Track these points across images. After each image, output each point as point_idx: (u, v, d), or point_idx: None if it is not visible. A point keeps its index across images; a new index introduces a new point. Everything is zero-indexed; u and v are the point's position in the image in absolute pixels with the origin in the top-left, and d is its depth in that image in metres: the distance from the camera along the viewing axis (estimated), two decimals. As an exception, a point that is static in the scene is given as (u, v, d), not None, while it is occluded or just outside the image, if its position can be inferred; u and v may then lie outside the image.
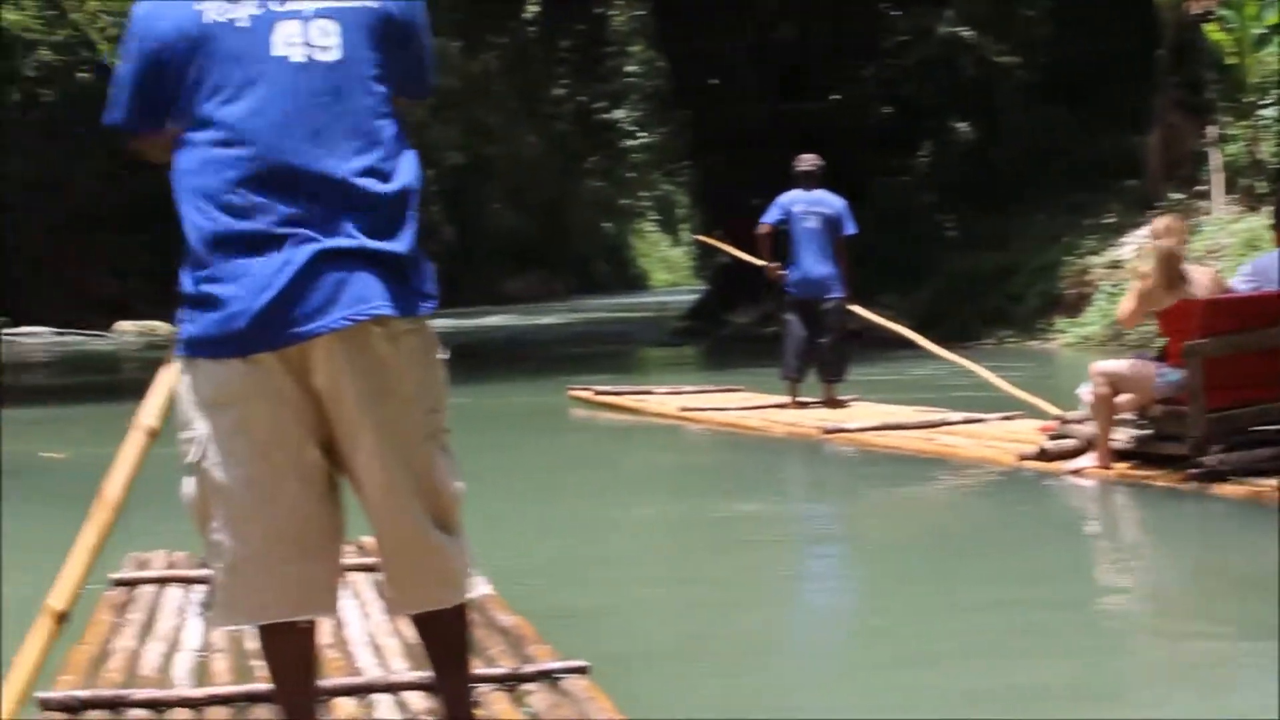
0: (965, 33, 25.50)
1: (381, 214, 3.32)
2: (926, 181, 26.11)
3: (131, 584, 5.68)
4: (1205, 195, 19.99)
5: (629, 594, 6.75)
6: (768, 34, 27.54)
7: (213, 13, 3.36)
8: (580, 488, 9.92)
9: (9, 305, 38.17)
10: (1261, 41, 19.39)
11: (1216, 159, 19.97)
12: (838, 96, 26.41)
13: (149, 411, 3.69)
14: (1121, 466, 8.72)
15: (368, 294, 3.26)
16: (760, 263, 13.20)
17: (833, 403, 12.69)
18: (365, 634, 4.92)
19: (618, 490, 9.95)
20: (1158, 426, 8.67)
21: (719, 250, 17.02)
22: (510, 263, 61.07)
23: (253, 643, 4.37)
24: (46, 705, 4.14)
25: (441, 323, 3.46)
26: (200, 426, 3.37)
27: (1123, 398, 8.63)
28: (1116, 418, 8.73)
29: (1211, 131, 20.28)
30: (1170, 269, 8.46)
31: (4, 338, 35.99)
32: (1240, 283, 8.81)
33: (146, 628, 5.09)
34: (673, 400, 13.83)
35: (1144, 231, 14.84)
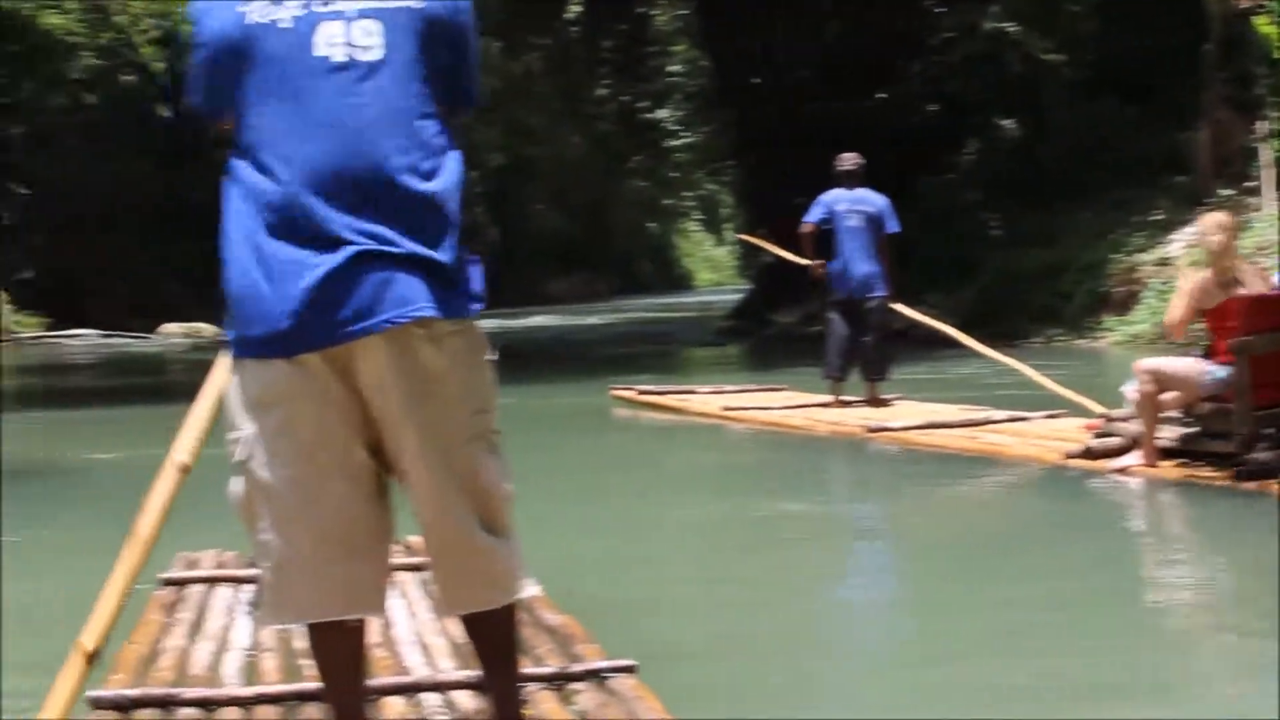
0: (1011, 28, 25.38)
1: (425, 215, 3.31)
2: (972, 179, 25.99)
3: (181, 583, 5.71)
4: (1255, 191, 19.87)
5: (674, 593, 6.76)
6: (812, 32, 27.47)
7: (255, 14, 3.38)
8: (624, 487, 9.92)
9: (56, 308, 38.43)
10: (1312, 35, 19.25)
11: (1266, 155, 19.83)
12: (883, 95, 26.32)
13: (183, 447, 3.68)
14: (1167, 464, 8.69)
15: (410, 296, 3.26)
16: (804, 261, 13.19)
17: (876, 401, 12.67)
18: (413, 633, 4.93)
19: (661, 490, 9.96)
20: (1204, 424, 8.63)
21: (763, 249, 16.99)
22: (554, 263, 61.13)
23: (302, 642, 4.39)
24: (97, 704, 4.17)
25: (485, 323, 3.46)
26: (247, 427, 3.39)
27: (1168, 395, 8.59)
28: (1162, 415, 8.69)
29: (1261, 127, 20.13)
30: (1223, 266, 8.42)
31: (50, 340, 36.24)
32: (1288, 279, 8.77)
33: (196, 627, 5.12)
34: (716, 400, 13.82)
35: (1193, 229, 14.79)
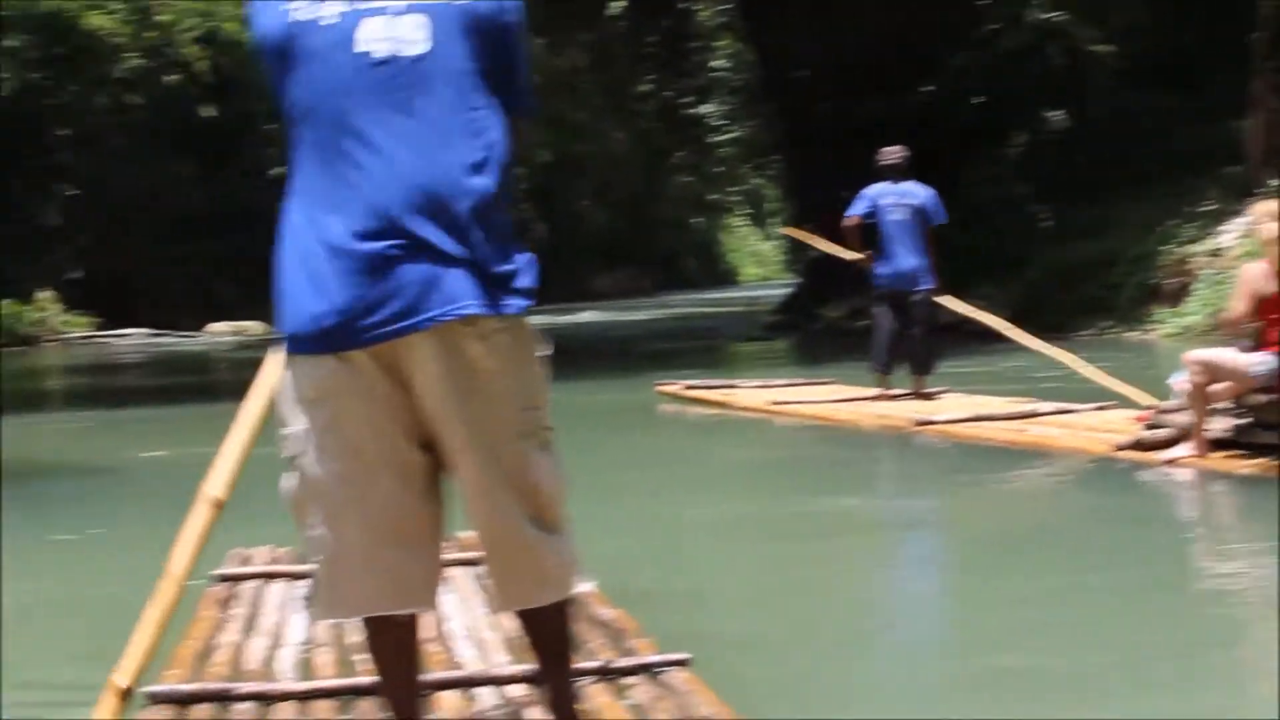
0: (1057, 18, 25.23)
1: (473, 211, 3.30)
2: (1020, 172, 25.86)
3: (235, 579, 5.75)
4: (1307, 181, 19.71)
5: (725, 586, 6.77)
6: (856, 25, 27.40)
7: (299, 12, 3.39)
8: (672, 482, 9.92)
9: (104, 308, 38.66)
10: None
11: (1318, 144, 19.71)
12: (928, 88, 26.24)
13: (216, 481, 3.68)
14: (1218, 456, 8.64)
15: (457, 293, 3.26)
16: (851, 256, 13.16)
17: (922, 395, 12.64)
18: (466, 628, 4.94)
19: (710, 484, 9.96)
20: (1255, 415, 8.58)
21: (810, 244, 16.95)
22: (600, 259, 61.20)
23: (356, 637, 4.41)
24: (154, 699, 4.19)
25: (534, 320, 3.46)
26: (298, 423, 3.40)
27: (1218, 386, 8.54)
28: (1212, 406, 8.65)
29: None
30: (1276, 254, 8.36)
31: (99, 340, 36.47)
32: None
33: (250, 622, 5.15)
34: (762, 394, 13.81)
35: (1245, 219, 14.69)
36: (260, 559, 6.14)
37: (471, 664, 4.55)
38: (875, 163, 12.93)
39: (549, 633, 3.60)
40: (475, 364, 3.31)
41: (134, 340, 36.79)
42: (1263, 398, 8.45)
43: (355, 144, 3.32)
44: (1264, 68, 21.04)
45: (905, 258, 12.65)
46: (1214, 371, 8.49)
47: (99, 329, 38.35)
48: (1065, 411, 10.97)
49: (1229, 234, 19.44)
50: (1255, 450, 8.50)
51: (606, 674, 4.32)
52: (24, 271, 38.04)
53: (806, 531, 7.90)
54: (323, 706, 4.20)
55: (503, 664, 4.49)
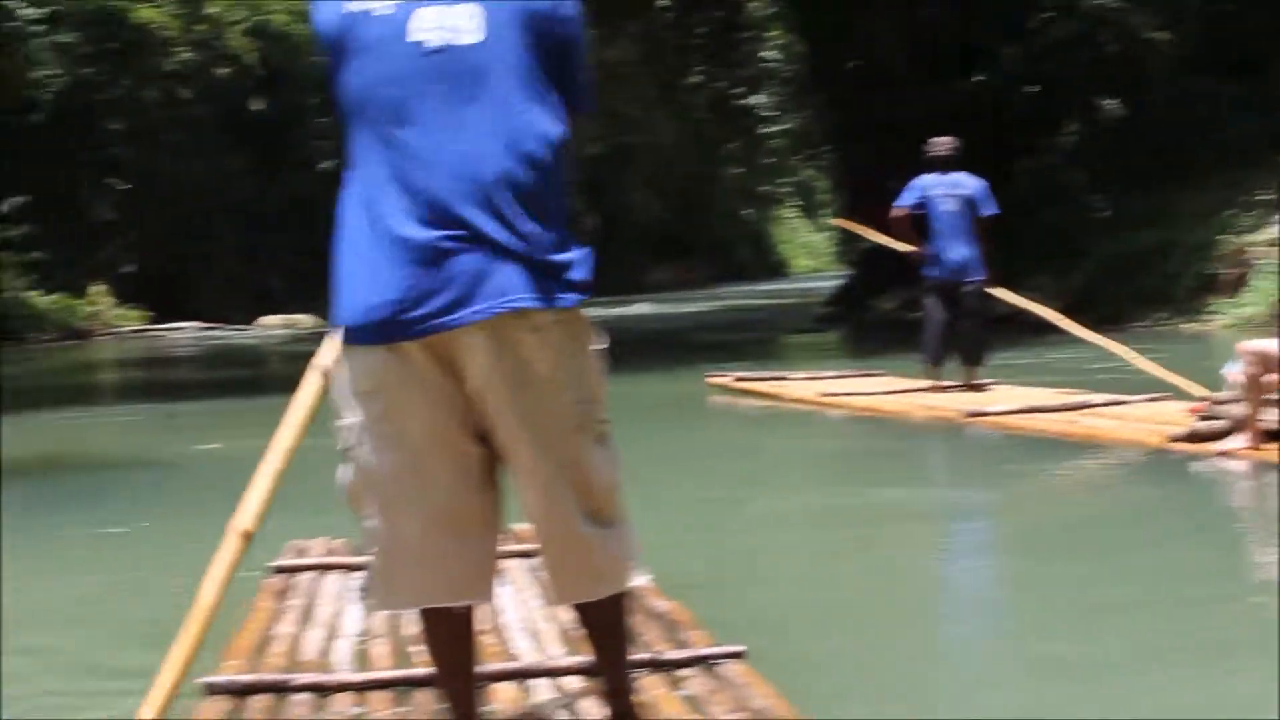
0: (1112, 5, 25.04)
1: (527, 203, 3.29)
2: (1074, 161, 25.68)
3: (291, 571, 5.78)
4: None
5: (779, 579, 6.75)
6: (907, 15, 27.28)
7: (355, 4, 3.40)
8: (723, 474, 9.92)
9: (156, 301, 38.90)
10: None
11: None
12: (980, 77, 26.11)
13: (246, 512, 3.68)
14: (1272, 447, 8.56)
15: (509, 286, 3.25)
16: (904, 247, 13.13)
17: (973, 386, 12.59)
18: (522, 620, 4.96)
19: (761, 476, 9.95)
20: (1311, 406, 8.52)
21: (862, 235, 16.91)
22: (651, 251, 61.20)
23: (412, 628, 4.43)
24: (212, 690, 4.22)
25: (588, 312, 3.46)
26: (352, 415, 3.41)
27: (1273, 376, 8.48)
28: (1266, 397, 8.58)
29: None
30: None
31: (151, 333, 36.70)
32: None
33: (306, 614, 5.17)
34: (812, 385, 13.79)
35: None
36: (316, 550, 6.17)
37: (527, 656, 4.55)
38: (925, 154, 12.90)
39: (605, 625, 3.60)
40: (527, 357, 3.30)
41: (186, 334, 36.99)
42: (1320, 389, 8.39)
43: (409, 133, 3.32)
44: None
45: (956, 249, 12.62)
46: (1268, 362, 8.42)
47: (151, 323, 38.59)
48: (1118, 403, 10.90)
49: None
50: (1311, 442, 8.44)
51: (661, 666, 4.32)
52: (77, 265, 38.33)
53: (859, 523, 7.88)
54: (379, 698, 4.21)
55: (558, 656, 4.50)
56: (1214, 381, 9.80)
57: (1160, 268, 21.31)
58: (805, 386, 13.80)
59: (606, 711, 3.73)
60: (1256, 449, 8.56)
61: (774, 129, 47.79)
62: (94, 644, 5.65)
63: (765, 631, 5.00)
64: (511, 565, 5.58)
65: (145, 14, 42.13)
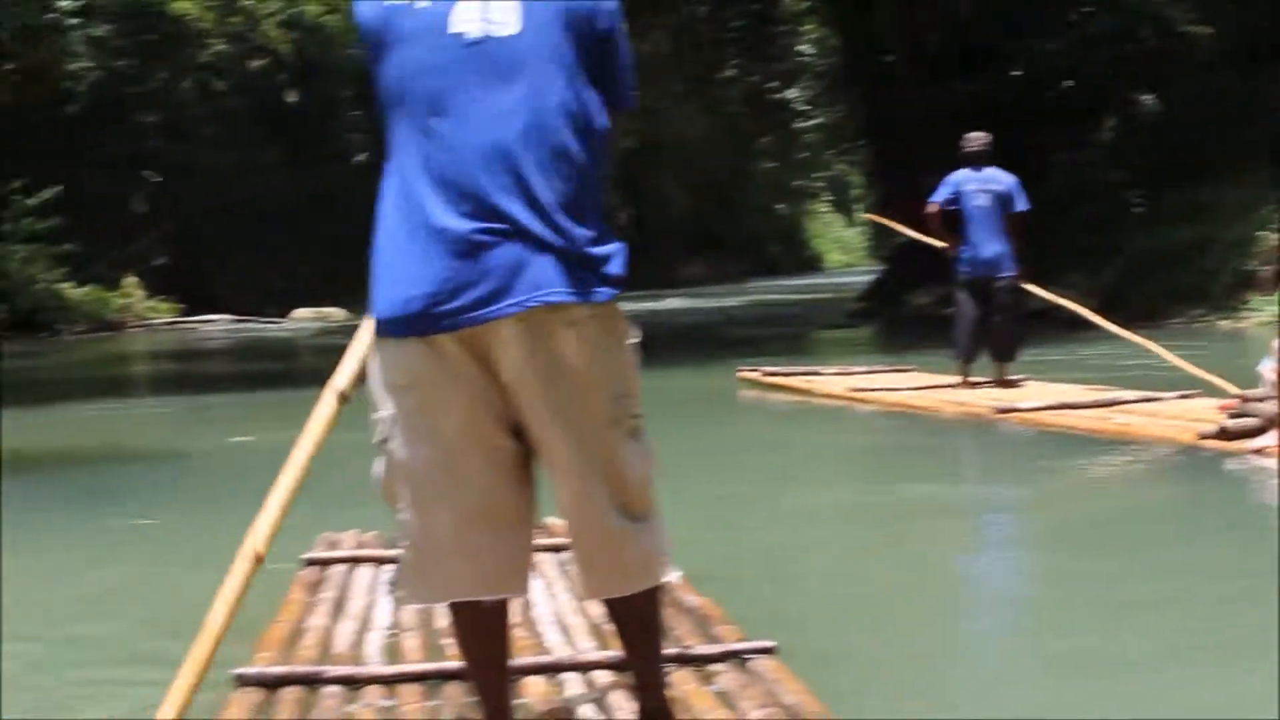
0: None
1: (564, 197, 3.28)
2: (1112, 156, 25.55)
3: (323, 563, 5.79)
4: None
5: (810, 574, 6.75)
6: (943, 8, 27.20)
7: (397, -1, 3.41)
8: (753, 469, 9.90)
9: (188, 294, 39.02)
10: None
11: None
12: (1017, 72, 26.00)
13: (258, 536, 3.65)
14: (1306, 444, 8.53)
15: (544, 280, 3.24)
16: (935, 243, 13.11)
17: (1004, 382, 12.57)
18: (552, 614, 4.96)
19: (791, 471, 9.93)
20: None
21: (895, 230, 16.90)
22: (684, 246, 61.17)
23: (443, 621, 4.43)
24: (243, 681, 4.23)
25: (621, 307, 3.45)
26: (386, 408, 3.40)
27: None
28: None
29: None
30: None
31: (183, 325, 36.81)
32: None
33: (338, 606, 5.18)
34: (842, 381, 13.78)
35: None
36: (348, 543, 6.19)
37: (558, 649, 4.55)
38: (959, 149, 12.87)
39: (636, 620, 3.59)
40: (562, 351, 3.29)
41: (217, 326, 37.05)
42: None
43: (447, 124, 3.32)
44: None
45: (988, 245, 12.59)
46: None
47: (182, 315, 38.68)
48: (1149, 400, 10.86)
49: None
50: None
51: (692, 660, 4.31)
52: (109, 258, 38.45)
53: (888, 519, 7.86)
54: (410, 691, 4.21)
55: (589, 650, 4.50)
56: (1250, 379, 9.75)
57: (1197, 264, 21.18)
58: (835, 382, 13.79)
59: (637, 706, 3.72)
60: (1289, 446, 8.51)
61: (808, 123, 47.75)
62: (129, 634, 5.67)
63: (793, 627, 4.98)
64: (542, 559, 5.58)
65: (181, 6, 42.25)
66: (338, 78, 44.90)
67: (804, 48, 41.36)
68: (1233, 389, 10.03)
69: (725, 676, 4.20)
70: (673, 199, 61.59)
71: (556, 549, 5.65)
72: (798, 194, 73.29)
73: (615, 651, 4.18)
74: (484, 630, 3.55)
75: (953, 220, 12.78)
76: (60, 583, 6.75)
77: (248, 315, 38.20)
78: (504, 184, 3.26)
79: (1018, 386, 12.45)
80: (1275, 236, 20.29)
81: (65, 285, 35.68)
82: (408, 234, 3.30)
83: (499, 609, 3.55)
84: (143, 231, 41.63)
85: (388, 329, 3.35)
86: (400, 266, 3.30)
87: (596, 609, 4.62)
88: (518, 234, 3.25)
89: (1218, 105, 23.61)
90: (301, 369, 22.35)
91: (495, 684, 3.59)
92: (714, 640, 4.52)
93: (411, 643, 4.70)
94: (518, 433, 3.39)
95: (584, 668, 4.32)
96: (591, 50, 3.40)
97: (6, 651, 5.33)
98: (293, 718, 4.01)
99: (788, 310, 34.79)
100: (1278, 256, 19.97)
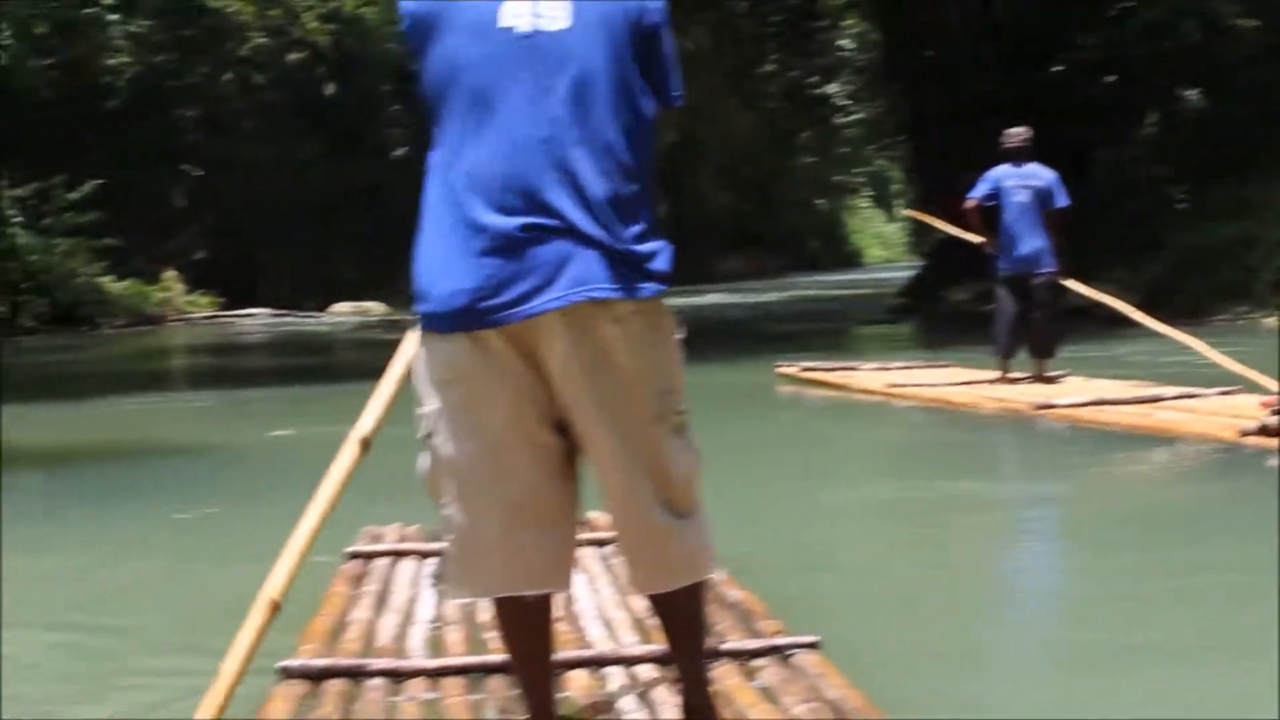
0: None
1: (610, 190, 3.28)
2: (1155, 151, 25.39)
3: (366, 557, 5.81)
4: None
5: (851, 569, 6.74)
6: (984, 3, 27.09)
7: (447, -9, 3.41)
8: (793, 464, 9.88)
9: (228, 288, 39.15)
10: None
11: None
12: (1058, 67, 25.87)
13: (274, 583, 3.62)
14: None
15: (589, 275, 3.23)
16: (975, 238, 13.08)
17: (1043, 378, 12.53)
18: (595, 608, 4.96)
19: (831, 467, 9.91)
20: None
21: (935, 226, 16.85)
22: (724, 241, 61.11)
23: (486, 614, 4.44)
24: (288, 673, 4.24)
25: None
26: (431, 402, 3.41)
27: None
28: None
29: None
30: None
31: (223, 319, 36.94)
32: None
33: (381, 599, 5.19)
34: (880, 376, 13.77)
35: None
36: (391, 536, 6.20)
37: (600, 643, 4.55)
38: (999, 144, 12.83)
39: (680, 615, 3.58)
40: (607, 347, 3.29)
41: (257, 321, 37.17)
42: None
43: (494, 117, 3.32)
44: None
45: (1028, 240, 12.56)
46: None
47: (222, 309, 38.83)
48: (1189, 396, 10.82)
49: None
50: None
51: (735, 655, 4.31)
52: (149, 251, 38.62)
53: (927, 514, 7.85)
54: (453, 684, 4.22)
55: (631, 644, 4.50)
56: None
57: (1241, 261, 21.04)
58: (873, 377, 13.78)
59: (680, 700, 3.72)
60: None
61: (848, 119, 47.62)
62: (164, 626, 5.70)
63: (838, 621, 4.99)
64: (585, 553, 5.59)
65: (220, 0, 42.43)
66: (376, 71, 45.01)
67: (844, 43, 41.25)
68: (1274, 385, 9.97)
69: (768, 671, 4.20)
70: (712, 194, 61.51)
71: (599, 543, 5.66)
72: (838, 189, 73.13)
73: (658, 645, 4.18)
74: (527, 624, 3.55)
75: (992, 216, 12.74)
76: (96, 576, 6.79)
77: (287, 309, 38.34)
78: (553, 179, 3.26)
79: (1057, 382, 12.42)
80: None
81: (105, 279, 35.86)
82: (453, 228, 3.30)
83: (542, 603, 3.55)
84: (182, 225, 41.80)
85: (433, 324, 3.34)
86: (446, 261, 3.30)
87: (639, 603, 4.62)
88: (565, 229, 3.24)
89: (1263, 100, 23.42)
90: (340, 363, 22.45)
91: (538, 677, 3.60)
92: (757, 635, 4.51)
93: (455, 636, 4.70)
94: (562, 428, 3.39)
95: (627, 661, 4.32)
96: (639, 47, 3.40)
97: (44, 641, 5.38)
98: (337, 710, 4.02)
99: (827, 306, 34.72)
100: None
